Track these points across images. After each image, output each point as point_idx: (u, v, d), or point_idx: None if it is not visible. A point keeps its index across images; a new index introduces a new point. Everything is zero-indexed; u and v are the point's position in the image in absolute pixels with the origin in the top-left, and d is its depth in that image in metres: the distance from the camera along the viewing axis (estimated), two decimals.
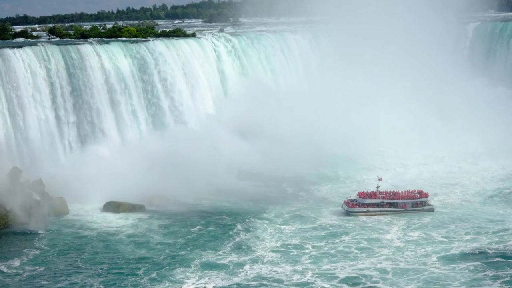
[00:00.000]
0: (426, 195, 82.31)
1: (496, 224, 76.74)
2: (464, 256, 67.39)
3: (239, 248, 70.48)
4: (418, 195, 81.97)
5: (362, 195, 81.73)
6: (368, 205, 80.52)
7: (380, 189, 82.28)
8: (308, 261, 66.95)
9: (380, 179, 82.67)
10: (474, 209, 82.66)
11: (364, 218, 79.36)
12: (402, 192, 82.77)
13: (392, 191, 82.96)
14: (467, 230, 74.92)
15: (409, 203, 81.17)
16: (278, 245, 71.41)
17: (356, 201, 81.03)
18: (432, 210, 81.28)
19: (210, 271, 64.42)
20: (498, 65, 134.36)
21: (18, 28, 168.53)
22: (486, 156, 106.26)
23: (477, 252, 68.11)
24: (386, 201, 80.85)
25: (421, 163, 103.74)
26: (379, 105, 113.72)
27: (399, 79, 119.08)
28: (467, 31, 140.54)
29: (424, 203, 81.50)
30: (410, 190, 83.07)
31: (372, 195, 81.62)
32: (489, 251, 68.31)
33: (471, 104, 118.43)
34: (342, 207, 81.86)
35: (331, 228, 76.34)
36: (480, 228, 75.42)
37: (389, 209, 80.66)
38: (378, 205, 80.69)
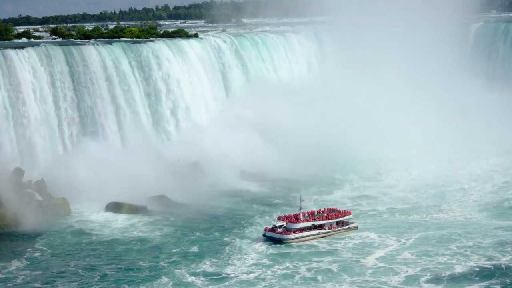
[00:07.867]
0: (349, 213, 76.76)
1: (508, 236, 71.33)
2: (484, 274, 61.15)
3: (228, 261, 67.30)
4: (339, 214, 75.92)
5: (290, 219, 74.27)
6: (302, 229, 73.18)
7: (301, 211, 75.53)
8: (279, 279, 62.76)
9: (302, 201, 76.46)
10: (479, 221, 77.58)
11: (353, 233, 74.10)
12: (320, 211, 76.61)
13: (311, 211, 76.48)
14: (475, 245, 68.75)
15: (335, 223, 74.92)
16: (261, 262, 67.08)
17: (285, 227, 73.19)
18: (356, 228, 75.35)
19: None
20: (500, 65, 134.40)
21: (21, 29, 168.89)
22: (487, 158, 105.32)
23: (504, 268, 61.95)
24: (316, 223, 74.08)
25: (421, 169, 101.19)
26: (380, 105, 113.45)
27: (400, 80, 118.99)
28: (470, 31, 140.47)
29: (347, 222, 75.53)
30: (322, 210, 77.07)
31: (298, 218, 74.34)
32: None
33: (473, 105, 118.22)
34: (265, 235, 73.20)
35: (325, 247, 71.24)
36: (492, 241, 69.46)
37: (320, 231, 73.83)
38: (309, 228, 73.67)
